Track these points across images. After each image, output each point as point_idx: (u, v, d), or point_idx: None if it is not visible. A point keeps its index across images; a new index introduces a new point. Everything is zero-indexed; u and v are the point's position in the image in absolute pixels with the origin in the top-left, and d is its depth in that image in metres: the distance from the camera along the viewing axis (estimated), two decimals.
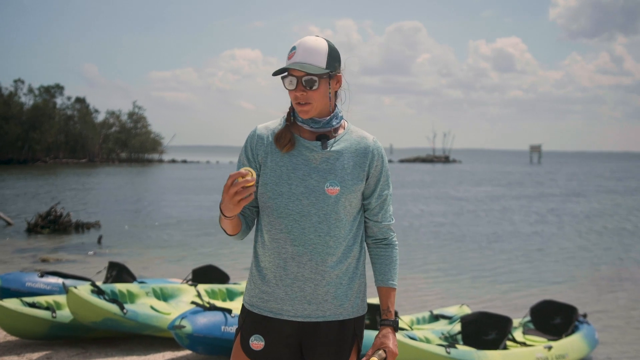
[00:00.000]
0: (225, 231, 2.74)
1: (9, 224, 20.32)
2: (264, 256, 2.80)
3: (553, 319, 7.74)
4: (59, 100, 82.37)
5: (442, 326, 7.56)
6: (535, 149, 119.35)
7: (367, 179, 2.82)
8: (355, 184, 2.78)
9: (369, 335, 5.43)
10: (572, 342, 7.24)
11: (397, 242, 2.95)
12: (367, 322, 6.95)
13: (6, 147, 74.62)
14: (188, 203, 29.85)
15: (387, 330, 2.83)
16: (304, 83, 2.69)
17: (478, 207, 30.09)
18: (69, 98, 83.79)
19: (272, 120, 2.90)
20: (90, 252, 15.61)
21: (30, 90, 79.98)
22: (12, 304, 6.79)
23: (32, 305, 6.93)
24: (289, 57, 2.72)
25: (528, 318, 7.90)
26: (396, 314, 7.09)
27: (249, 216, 2.87)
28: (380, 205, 2.87)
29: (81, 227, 19.66)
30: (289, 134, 2.78)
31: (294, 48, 2.72)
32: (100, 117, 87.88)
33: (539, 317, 7.81)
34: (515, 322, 7.74)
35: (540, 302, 7.93)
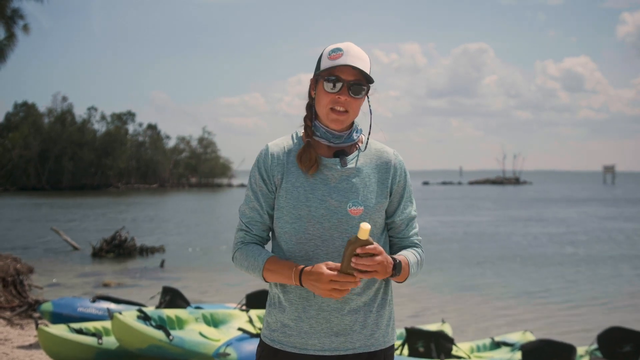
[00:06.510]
0: (264, 278, 2.53)
1: (75, 248, 20.64)
2: (284, 287, 2.55)
3: (622, 347, 7.30)
4: (130, 127, 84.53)
5: (502, 354, 7.23)
6: (609, 170, 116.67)
7: (390, 196, 2.59)
8: (379, 202, 2.55)
9: None
10: None
11: (423, 252, 2.69)
12: (421, 349, 6.66)
13: (80, 173, 76.67)
14: None
15: None
16: (351, 88, 2.48)
17: (552, 229, 29.31)
18: (140, 124, 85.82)
19: (282, 137, 2.67)
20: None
21: (103, 117, 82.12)
22: (58, 330, 6.73)
23: (79, 331, 6.85)
24: (333, 58, 2.49)
25: (595, 346, 7.48)
26: (449, 341, 6.77)
27: (266, 241, 2.66)
28: (406, 222, 2.64)
29: (145, 252, 19.81)
30: (313, 153, 2.54)
31: (338, 49, 2.50)
32: (171, 143, 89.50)
33: (607, 344, 7.37)
34: (582, 350, 7.35)
35: (608, 329, 7.50)
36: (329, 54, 2.52)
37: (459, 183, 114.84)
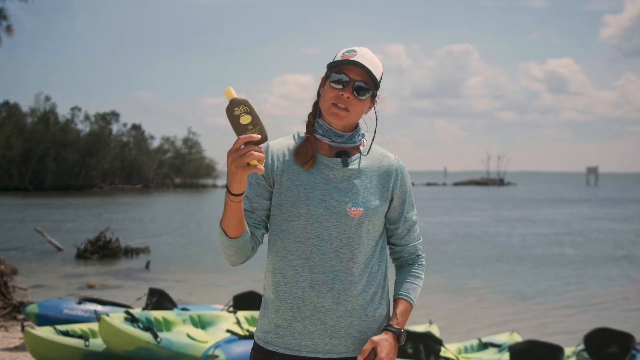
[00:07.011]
0: (225, 232, 2.37)
1: (59, 249, 20.50)
2: (279, 286, 2.52)
3: (608, 348, 7.33)
4: (115, 127, 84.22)
5: (490, 355, 7.24)
6: (592, 171, 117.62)
7: (391, 201, 2.58)
8: (379, 205, 2.53)
9: None
10: None
11: (424, 263, 2.71)
12: (409, 351, 6.66)
13: (63, 173, 76.23)
14: None
15: (388, 334, 2.48)
16: (355, 87, 2.48)
17: (543, 229, 29.43)
18: (124, 124, 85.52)
19: (284, 137, 2.65)
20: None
21: (87, 117, 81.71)
22: (44, 332, 6.68)
23: (66, 333, 6.80)
24: (345, 57, 2.50)
25: (582, 346, 7.50)
26: (435, 338, 6.76)
27: (254, 235, 2.53)
28: (408, 228, 2.65)
29: (130, 253, 19.72)
30: (310, 149, 2.53)
31: (352, 50, 2.51)
32: (155, 143, 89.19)
33: (594, 345, 7.40)
34: (569, 350, 7.37)
35: (594, 330, 7.53)
36: (343, 54, 2.53)
37: (444, 184, 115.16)
